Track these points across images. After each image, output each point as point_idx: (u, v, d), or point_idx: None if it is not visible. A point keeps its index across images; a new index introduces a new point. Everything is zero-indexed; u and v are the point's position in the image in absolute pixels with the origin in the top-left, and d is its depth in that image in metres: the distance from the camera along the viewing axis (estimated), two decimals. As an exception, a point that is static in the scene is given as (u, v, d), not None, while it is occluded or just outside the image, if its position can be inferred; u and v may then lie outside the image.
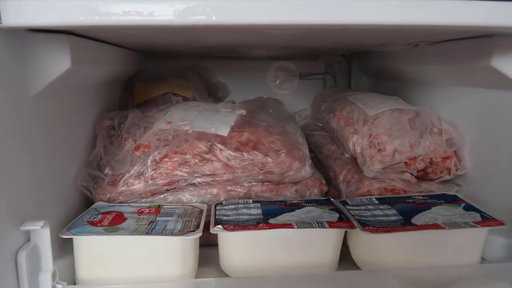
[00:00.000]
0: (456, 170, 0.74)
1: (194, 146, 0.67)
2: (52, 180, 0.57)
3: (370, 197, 0.69)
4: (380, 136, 0.73)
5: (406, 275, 0.53)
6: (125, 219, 0.59)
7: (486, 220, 0.59)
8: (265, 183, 0.70)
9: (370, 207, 0.64)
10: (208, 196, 0.68)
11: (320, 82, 1.26)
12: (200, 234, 0.54)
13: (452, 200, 0.67)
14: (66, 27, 0.49)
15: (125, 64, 0.89)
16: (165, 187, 0.67)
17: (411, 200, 0.66)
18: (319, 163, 0.89)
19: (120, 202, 0.65)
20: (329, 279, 0.55)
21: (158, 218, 0.59)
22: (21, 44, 0.49)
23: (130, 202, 0.66)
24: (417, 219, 0.59)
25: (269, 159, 0.68)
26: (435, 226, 0.57)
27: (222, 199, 0.68)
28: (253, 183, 0.70)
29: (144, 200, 0.67)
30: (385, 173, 0.73)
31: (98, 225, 0.56)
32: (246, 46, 0.88)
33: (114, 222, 0.57)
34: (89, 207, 0.63)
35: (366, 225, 0.57)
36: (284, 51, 1.03)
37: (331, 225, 0.57)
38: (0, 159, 0.44)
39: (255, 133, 0.70)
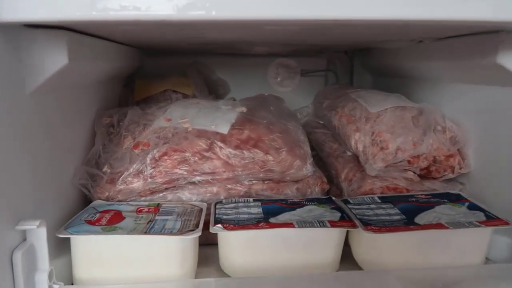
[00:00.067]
0: (460, 169, 0.73)
1: (194, 144, 0.66)
2: (49, 178, 0.56)
3: (372, 196, 0.68)
4: (382, 134, 0.72)
5: (409, 276, 0.53)
6: (124, 218, 0.58)
7: (490, 219, 0.58)
8: (266, 182, 0.69)
9: (372, 206, 0.64)
10: (208, 194, 0.67)
11: (321, 79, 1.25)
12: (200, 233, 0.54)
13: (456, 199, 0.66)
14: (63, 22, 0.48)
15: (124, 61, 0.88)
16: (165, 186, 0.66)
17: (414, 199, 0.66)
18: (320, 161, 0.88)
19: (119, 201, 0.65)
20: (331, 280, 0.54)
21: (157, 217, 0.58)
22: (18, 40, 0.48)
23: (129, 201, 0.65)
24: (420, 219, 0.59)
25: (270, 157, 0.67)
26: (439, 226, 0.56)
27: (222, 197, 0.67)
28: (254, 182, 0.69)
29: (143, 198, 0.66)
30: (388, 172, 0.72)
31: (96, 224, 0.55)
32: (246, 42, 0.87)
33: (112, 221, 0.56)
34: (87, 205, 0.63)
35: (368, 224, 0.57)
36: (285, 47, 1.02)
37: (333, 224, 0.56)
38: (-5, 157, 0.43)
39: (256, 131, 0.69)
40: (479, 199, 0.65)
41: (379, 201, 0.66)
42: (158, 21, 0.45)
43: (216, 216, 0.59)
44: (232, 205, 0.63)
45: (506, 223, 0.57)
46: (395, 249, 0.57)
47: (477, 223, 0.56)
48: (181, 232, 0.54)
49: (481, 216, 0.59)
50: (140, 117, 0.75)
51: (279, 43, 0.88)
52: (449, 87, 0.79)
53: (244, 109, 0.75)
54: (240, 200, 0.65)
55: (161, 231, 0.54)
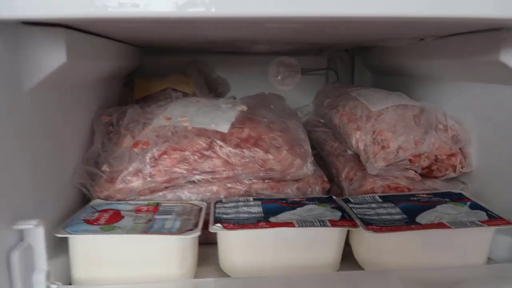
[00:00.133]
0: (462, 168, 0.72)
1: (194, 143, 0.66)
2: (48, 177, 0.56)
3: (373, 195, 0.68)
4: (384, 133, 0.72)
5: (410, 276, 0.52)
6: (122, 217, 0.57)
7: (493, 219, 0.57)
8: (266, 181, 0.69)
9: (373, 205, 0.63)
10: (208, 193, 0.67)
11: (322, 77, 1.25)
12: (199, 233, 0.53)
13: (458, 198, 0.65)
14: (61, 20, 0.48)
15: (124, 59, 0.88)
16: (164, 185, 0.66)
17: (415, 198, 0.65)
18: (321, 160, 0.88)
19: (118, 200, 0.64)
20: (331, 280, 0.54)
21: (156, 217, 0.58)
22: (15, 37, 0.47)
23: (128, 200, 0.65)
24: (422, 218, 0.58)
25: (270, 156, 0.67)
26: (441, 226, 0.55)
27: (222, 196, 0.67)
28: (254, 181, 0.68)
29: (142, 197, 0.66)
30: (389, 171, 0.72)
31: (95, 223, 0.55)
32: (247, 41, 0.86)
33: (111, 221, 0.56)
34: (86, 205, 0.62)
35: (369, 224, 0.56)
36: (286, 46, 1.01)
37: (333, 224, 0.56)
38: (-8, 156, 0.43)
39: (256, 130, 0.69)
40: (481, 199, 0.64)
41: (380, 200, 0.65)
42: (157, 18, 0.44)
43: (216, 215, 0.58)
44: (232, 204, 0.63)
45: (509, 223, 0.56)
46: (396, 249, 0.57)
47: (479, 223, 0.56)
48: (180, 231, 0.53)
49: (483, 216, 0.58)
50: (139, 116, 0.74)
51: (280, 41, 0.87)
52: (451, 85, 0.79)
53: (244, 108, 0.74)
54: (240, 199, 0.65)
55: (160, 231, 0.53)
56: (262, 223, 0.56)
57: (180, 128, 0.68)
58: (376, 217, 0.59)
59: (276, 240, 0.56)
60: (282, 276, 0.55)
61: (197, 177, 0.66)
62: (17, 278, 0.45)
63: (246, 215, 0.58)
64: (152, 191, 0.66)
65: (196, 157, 0.65)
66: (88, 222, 0.55)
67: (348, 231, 0.59)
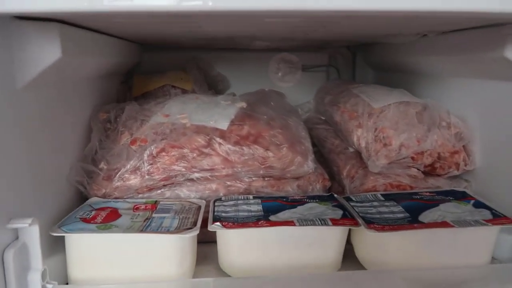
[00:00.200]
0: (465, 166, 0.71)
1: (192, 140, 0.65)
2: (44, 175, 0.55)
3: (375, 193, 0.67)
4: (386, 130, 0.71)
5: (413, 276, 0.51)
6: (120, 215, 0.57)
7: (497, 218, 0.56)
8: (266, 179, 0.68)
9: (375, 203, 0.62)
10: (207, 191, 0.66)
11: (323, 74, 1.23)
12: (197, 232, 0.52)
13: (461, 196, 0.64)
14: (54, 14, 0.47)
15: (122, 56, 0.87)
16: (162, 182, 0.65)
17: (418, 197, 0.64)
18: (322, 157, 0.87)
19: (116, 198, 0.63)
20: (332, 280, 0.53)
21: (154, 215, 0.57)
22: (8, 33, 0.47)
23: (126, 198, 0.64)
24: (425, 217, 0.57)
25: (270, 154, 0.66)
26: (444, 224, 0.54)
27: (221, 194, 0.66)
28: (254, 178, 0.67)
29: (140, 195, 0.65)
30: (391, 168, 0.71)
31: (91, 222, 0.54)
32: (247, 37, 0.85)
33: (108, 219, 0.55)
34: (83, 203, 0.61)
35: (371, 222, 0.55)
36: (287, 42, 1.00)
37: (335, 222, 0.55)
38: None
39: (256, 127, 0.68)
40: (484, 197, 0.63)
41: (382, 198, 0.64)
42: (153, 12, 0.43)
43: (215, 213, 0.58)
44: (232, 202, 0.62)
45: (513, 222, 0.55)
46: (399, 248, 0.56)
47: (483, 222, 0.55)
48: (178, 230, 0.52)
49: (488, 215, 0.57)
50: (137, 113, 0.74)
51: (280, 37, 0.86)
52: (454, 82, 0.78)
53: (244, 105, 0.73)
54: (240, 197, 0.64)
55: (158, 229, 0.52)
56: (262, 221, 0.55)
57: (178, 125, 0.67)
58: (378, 216, 0.58)
59: (276, 239, 0.55)
60: (282, 276, 0.54)
61: (196, 174, 0.65)
62: (12, 277, 0.44)
63: (245, 214, 0.58)
64: (150, 189, 0.65)
65: (195, 154, 0.64)
66: (84, 220, 0.54)
67: (350, 230, 0.58)
